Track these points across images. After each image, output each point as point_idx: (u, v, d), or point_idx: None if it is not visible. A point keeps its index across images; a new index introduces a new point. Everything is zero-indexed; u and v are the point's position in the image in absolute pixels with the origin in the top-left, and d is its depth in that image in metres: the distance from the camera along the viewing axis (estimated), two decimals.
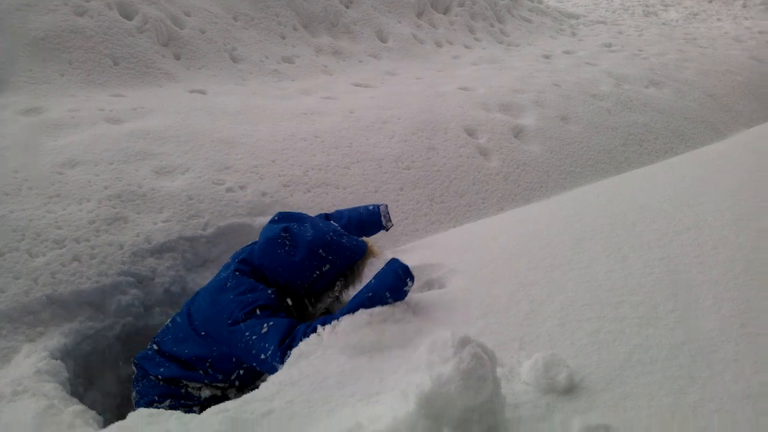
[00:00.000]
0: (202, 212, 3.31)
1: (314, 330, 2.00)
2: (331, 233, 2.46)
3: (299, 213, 2.62)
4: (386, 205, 3.01)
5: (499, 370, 1.57)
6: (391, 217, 3.02)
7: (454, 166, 4.36)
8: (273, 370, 1.94)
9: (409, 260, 2.88)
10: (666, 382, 1.57)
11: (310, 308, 2.51)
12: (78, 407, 1.84)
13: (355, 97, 5.53)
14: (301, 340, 1.97)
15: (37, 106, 4.27)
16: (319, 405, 1.61)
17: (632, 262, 2.33)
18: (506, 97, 5.69)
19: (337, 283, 2.48)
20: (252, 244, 2.64)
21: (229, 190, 3.52)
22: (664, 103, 6.32)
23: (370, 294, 2.08)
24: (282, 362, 1.92)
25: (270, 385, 1.69)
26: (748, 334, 1.76)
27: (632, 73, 7.08)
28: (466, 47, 8.69)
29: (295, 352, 1.82)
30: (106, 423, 1.99)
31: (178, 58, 5.75)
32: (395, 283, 2.10)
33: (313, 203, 3.66)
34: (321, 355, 1.81)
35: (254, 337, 2.07)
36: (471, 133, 4.85)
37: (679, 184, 3.35)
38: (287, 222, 2.46)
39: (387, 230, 3.03)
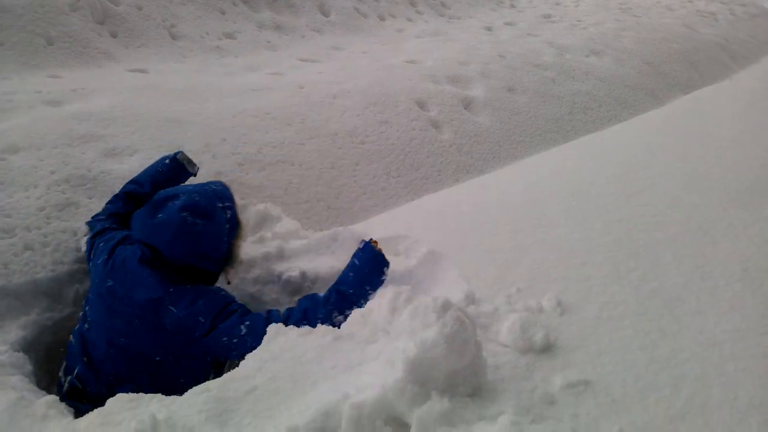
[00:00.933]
0: None
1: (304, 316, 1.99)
2: (203, 185, 2.32)
3: (162, 193, 2.27)
4: (182, 152, 2.84)
5: (478, 333, 1.60)
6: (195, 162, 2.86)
7: (407, 139, 4.36)
8: None
9: (374, 233, 2.91)
10: (637, 337, 1.64)
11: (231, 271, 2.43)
12: (50, 398, 1.77)
13: (302, 72, 5.44)
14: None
15: None
16: (302, 379, 1.61)
17: (591, 224, 2.41)
18: (453, 69, 5.72)
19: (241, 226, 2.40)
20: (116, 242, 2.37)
21: None
22: (605, 72, 6.48)
23: (351, 291, 2.04)
24: None
25: (251, 362, 1.67)
26: (707, 287, 1.85)
27: (573, 43, 7.21)
28: (409, 20, 8.67)
29: (272, 328, 1.80)
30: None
31: (115, 36, 5.51)
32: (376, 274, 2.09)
33: (269, 181, 3.59)
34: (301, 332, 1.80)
35: (234, 340, 1.98)
36: (422, 105, 4.86)
37: (629, 150, 3.47)
38: (171, 201, 2.18)
39: (195, 175, 2.87)
